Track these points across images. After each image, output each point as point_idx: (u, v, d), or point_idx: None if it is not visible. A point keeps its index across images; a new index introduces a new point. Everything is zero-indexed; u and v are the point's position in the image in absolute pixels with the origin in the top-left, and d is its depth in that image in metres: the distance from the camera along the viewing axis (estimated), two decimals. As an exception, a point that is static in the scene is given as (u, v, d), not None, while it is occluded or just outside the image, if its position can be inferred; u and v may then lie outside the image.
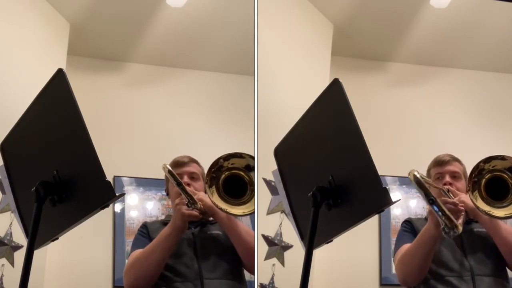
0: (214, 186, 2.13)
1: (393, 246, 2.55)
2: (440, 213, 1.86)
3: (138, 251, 2.29)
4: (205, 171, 2.24)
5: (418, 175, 1.79)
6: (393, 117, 3.84)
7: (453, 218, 1.87)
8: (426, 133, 3.82)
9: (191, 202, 2.16)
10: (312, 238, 1.61)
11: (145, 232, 2.38)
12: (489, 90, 4.01)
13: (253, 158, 2.15)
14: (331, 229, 1.67)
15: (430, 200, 1.81)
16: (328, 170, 1.66)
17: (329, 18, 3.62)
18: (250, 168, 2.14)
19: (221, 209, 2.13)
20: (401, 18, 3.71)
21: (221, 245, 2.31)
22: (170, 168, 2.18)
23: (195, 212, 2.22)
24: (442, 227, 1.89)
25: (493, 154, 2.16)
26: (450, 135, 3.83)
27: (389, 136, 3.74)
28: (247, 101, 3.19)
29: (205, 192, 2.22)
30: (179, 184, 2.16)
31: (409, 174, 1.81)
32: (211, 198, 2.13)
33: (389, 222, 3.63)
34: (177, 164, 2.44)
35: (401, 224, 2.53)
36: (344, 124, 1.64)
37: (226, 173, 2.14)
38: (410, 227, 2.47)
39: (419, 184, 1.77)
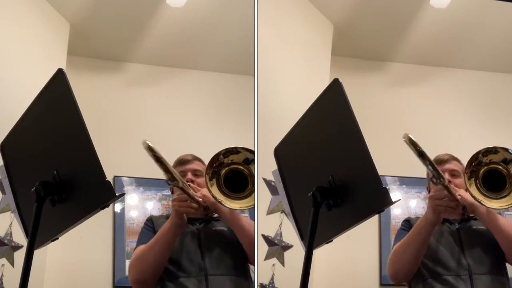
0: (214, 179, 2.13)
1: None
2: (429, 166, 2.08)
3: (142, 246, 2.29)
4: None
5: (412, 137, 2.05)
6: (393, 117, 3.84)
7: (439, 170, 2.12)
8: (426, 133, 3.82)
9: (171, 179, 2.08)
10: (312, 238, 1.61)
11: (151, 226, 2.39)
12: (489, 90, 4.01)
13: (249, 151, 2.15)
14: (331, 229, 1.67)
15: (420, 153, 2.02)
16: (328, 170, 1.66)
17: (329, 18, 3.62)
18: (248, 161, 2.14)
19: (217, 199, 2.12)
20: (401, 18, 3.71)
21: (226, 241, 2.30)
22: (150, 144, 2.12)
23: (191, 210, 2.21)
24: (430, 177, 2.13)
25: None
26: (450, 135, 3.83)
27: (389, 136, 3.73)
28: (247, 101, 3.19)
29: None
30: (158, 160, 2.09)
31: (403, 136, 2.04)
32: (210, 189, 2.13)
33: (389, 222, 3.63)
34: (181, 162, 2.45)
35: (401, 223, 2.54)
36: (344, 124, 1.64)
37: (226, 168, 2.14)
38: (408, 226, 2.48)
39: (412, 142, 2.03)
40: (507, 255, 2.34)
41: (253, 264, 2.37)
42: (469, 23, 3.74)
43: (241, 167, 2.14)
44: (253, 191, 2.14)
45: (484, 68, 3.99)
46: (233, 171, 2.14)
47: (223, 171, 2.14)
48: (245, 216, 2.36)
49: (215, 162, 2.13)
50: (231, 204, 2.13)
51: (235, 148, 2.14)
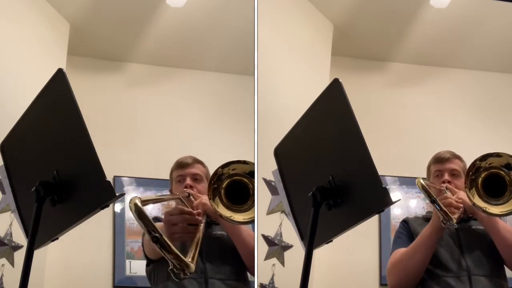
0: (217, 197, 2.07)
1: (393, 246, 2.55)
2: (439, 208, 2.21)
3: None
4: (210, 171, 2.20)
5: (423, 182, 2.26)
6: (393, 117, 3.84)
7: (448, 213, 2.21)
8: (426, 133, 3.82)
9: (180, 268, 1.57)
10: (312, 238, 1.61)
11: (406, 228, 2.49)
12: (489, 90, 4.01)
13: (254, 164, 2.11)
14: (331, 229, 1.67)
15: (432, 200, 2.21)
16: (328, 170, 1.66)
17: (329, 18, 3.62)
18: (253, 174, 2.08)
19: (225, 218, 2.06)
20: (401, 18, 3.71)
21: (226, 246, 2.30)
22: (139, 204, 1.56)
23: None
24: (441, 219, 2.21)
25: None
26: (450, 135, 3.84)
27: (389, 136, 3.74)
28: (247, 101, 3.19)
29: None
30: (151, 234, 1.54)
31: (417, 182, 2.25)
32: (217, 209, 2.06)
33: (389, 222, 3.63)
34: (180, 165, 2.43)
35: (399, 224, 2.53)
36: (344, 124, 1.64)
37: (228, 180, 2.07)
38: (406, 228, 2.47)
39: (424, 188, 2.24)
40: (505, 260, 2.34)
41: (253, 274, 2.36)
42: (469, 23, 3.74)
43: (244, 179, 2.07)
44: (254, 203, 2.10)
45: (484, 68, 3.99)
46: (234, 182, 2.08)
47: (224, 184, 2.07)
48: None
49: (213, 178, 2.06)
50: (235, 216, 2.09)
51: (242, 160, 2.07)
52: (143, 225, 1.45)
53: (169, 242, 1.51)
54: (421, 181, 2.25)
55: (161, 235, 1.48)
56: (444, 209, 2.21)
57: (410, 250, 2.33)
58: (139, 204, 1.50)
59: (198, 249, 1.83)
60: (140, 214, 1.47)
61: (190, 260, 1.60)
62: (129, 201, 1.49)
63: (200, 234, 1.94)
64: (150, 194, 3.59)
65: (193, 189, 2.35)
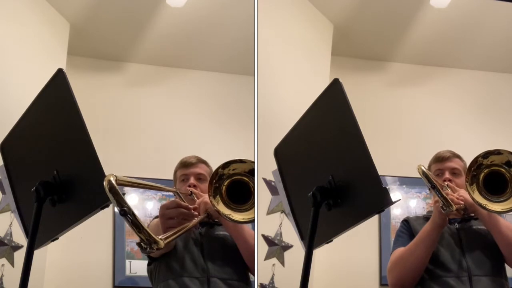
0: (218, 196, 2.05)
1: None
2: (439, 194, 2.22)
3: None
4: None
5: (423, 168, 2.25)
6: (393, 117, 3.84)
7: (448, 199, 2.23)
8: (426, 133, 3.82)
9: (147, 242, 1.51)
10: (312, 238, 1.61)
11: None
12: (489, 90, 4.01)
13: (254, 162, 2.11)
14: (331, 229, 1.67)
15: (432, 185, 2.20)
16: (328, 170, 1.66)
17: (329, 18, 3.62)
18: (253, 173, 2.07)
19: (224, 216, 2.05)
20: (401, 18, 3.71)
21: (228, 246, 2.30)
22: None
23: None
24: (440, 205, 2.23)
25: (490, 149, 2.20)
26: (450, 135, 3.84)
27: (389, 136, 3.74)
28: (247, 101, 3.19)
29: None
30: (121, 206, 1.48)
31: (417, 168, 2.24)
32: (216, 207, 2.05)
33: (389, 222, 3.63)
34: (184, 164, 2.44)
35: (400, 224, 2.54)
36: (344, 124, 1.64)
37: (228, 180, 2.05)
38: (407, 227, 2.47)
39: (424, 174, 2.23)
40: (506, 258, 2.34)
41: (253, 274, 2.36)
42: (469, 23, 3.74)
43: (245, 178, 2.05)
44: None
45: (484, 68, 3.99)
46: (236, 182, 2.06)
47: (225, 184, 2.06)
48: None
49: (214, 178, 2.04)
50: (235, 215, 2.08)
51: (239, 159, 2.04)
52: (113, 198, 1.45)
53: (138, 217, 1.48)
54: (422, 167, 2.24)
55: (129, 208, 1.46)
56: (444, 195, 2.21)
57: (410, 247, 2.34)
58: (113, 181, 1.50)
59: (178, 234, 1.82)
60: (111, 189, 1.47)
61: (162, 238, 1.56)
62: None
63: (189, 225, 1.93)
64: (149, 194, 3.59)
65: (196, 188, 2.36)
